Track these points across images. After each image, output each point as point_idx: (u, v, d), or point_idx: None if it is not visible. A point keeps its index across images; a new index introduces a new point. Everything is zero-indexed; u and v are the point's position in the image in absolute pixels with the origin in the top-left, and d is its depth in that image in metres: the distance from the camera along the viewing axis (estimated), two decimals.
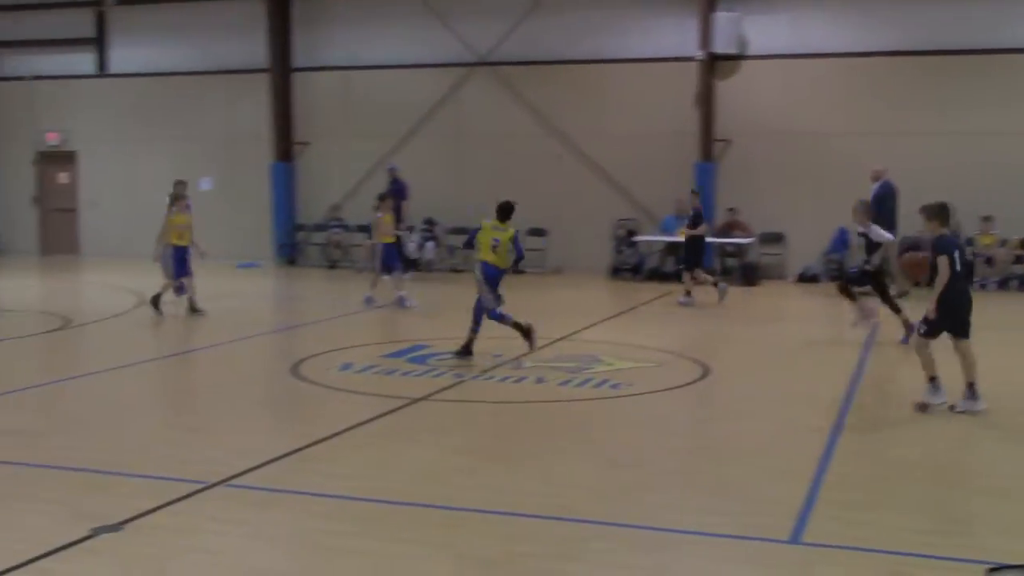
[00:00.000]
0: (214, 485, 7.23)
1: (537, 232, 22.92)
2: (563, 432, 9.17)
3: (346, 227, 24.11)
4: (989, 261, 19.82)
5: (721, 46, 21.44)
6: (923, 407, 9.60)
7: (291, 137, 24.93)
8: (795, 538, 6.34)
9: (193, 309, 15.81)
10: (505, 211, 12.45)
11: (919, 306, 10.23)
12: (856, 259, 13.99)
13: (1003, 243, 20.05)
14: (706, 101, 21.81)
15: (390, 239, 17.34)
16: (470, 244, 12.63)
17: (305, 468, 7.86)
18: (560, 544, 6.28)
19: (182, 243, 15.77)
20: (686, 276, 17.92)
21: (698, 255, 18.11)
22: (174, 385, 11.53)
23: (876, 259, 13.33)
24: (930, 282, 9.59)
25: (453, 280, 21.29)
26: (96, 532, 6.27)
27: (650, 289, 19.79)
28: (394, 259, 17.25)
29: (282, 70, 24.61)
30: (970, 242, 19.43)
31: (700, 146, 21.88)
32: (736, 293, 18.64)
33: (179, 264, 15.77)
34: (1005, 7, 20.38)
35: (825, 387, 10.72)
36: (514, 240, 12.33)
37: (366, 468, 7.86)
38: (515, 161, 23.21)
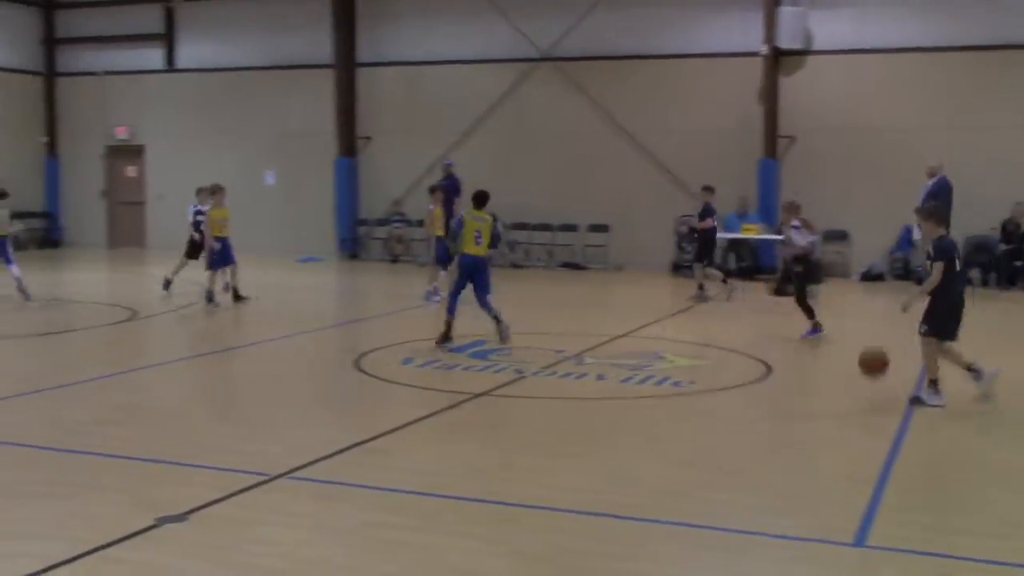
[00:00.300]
0: (277, 477, 7.30)
1: (599, 228, 22.88)
2: (625, 429, 9.12)
3: (407, 222, 24.22)
4: None
5: (786, 41, 21.21)
6: (917, 400, 9.64)
7: (355, 132, 25.10)
8: (859, 541, 6.24)
9: (237, 297, 16.48)
10: (480, 199, 12.92)
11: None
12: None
13: None
14: (770, 97, 21.59)
15: (440, 232, 17.17)
16: (455, 239, 12.83)
17: (366, 461, 7.90)
18: (621, 543, 6.24)
19: (222, 235, 16.50)
20: (697, 269, 17.92)
21: (708, 249, 18.13)
22: (238, 377, 11.66)
23: (788, 254, 13.67)
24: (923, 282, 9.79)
25: (513, 276, 21.28)
26: (161, 522, 6.35)
27: (712, 286, 19.61)
28: (443, 253, 17.01)
29: (346, 65, 24.79)
30: None
31: (764, 142, 21.67)
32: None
33: (222, 254, 16.43)
34: None
35: (890, 386, 10.55)
36: (493, 228, 12.74)
37: (427, 463, 7.88)
38: (577, 157, 23.17)
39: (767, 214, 21.46)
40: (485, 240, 12.67)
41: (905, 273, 20.13)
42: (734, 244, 21.39)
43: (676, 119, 22.50)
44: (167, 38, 26.89)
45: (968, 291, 10.45)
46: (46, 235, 27.88)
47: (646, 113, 22.74)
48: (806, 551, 6.13)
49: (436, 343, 12.55)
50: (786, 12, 21.14)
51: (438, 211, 17.36)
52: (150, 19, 26.88)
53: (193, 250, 17.53)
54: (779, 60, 21.56)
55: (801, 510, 6.81)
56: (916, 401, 9.66)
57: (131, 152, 27.49)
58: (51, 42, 27.95)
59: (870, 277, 20.81)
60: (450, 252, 13.93)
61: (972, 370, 9.78)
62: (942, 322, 9.63)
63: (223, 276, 16.76)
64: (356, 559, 6.00)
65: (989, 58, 20.35)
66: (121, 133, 27.43)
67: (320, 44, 24.91)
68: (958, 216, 18.84)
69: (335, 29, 24.66)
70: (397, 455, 8.12)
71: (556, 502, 6.85)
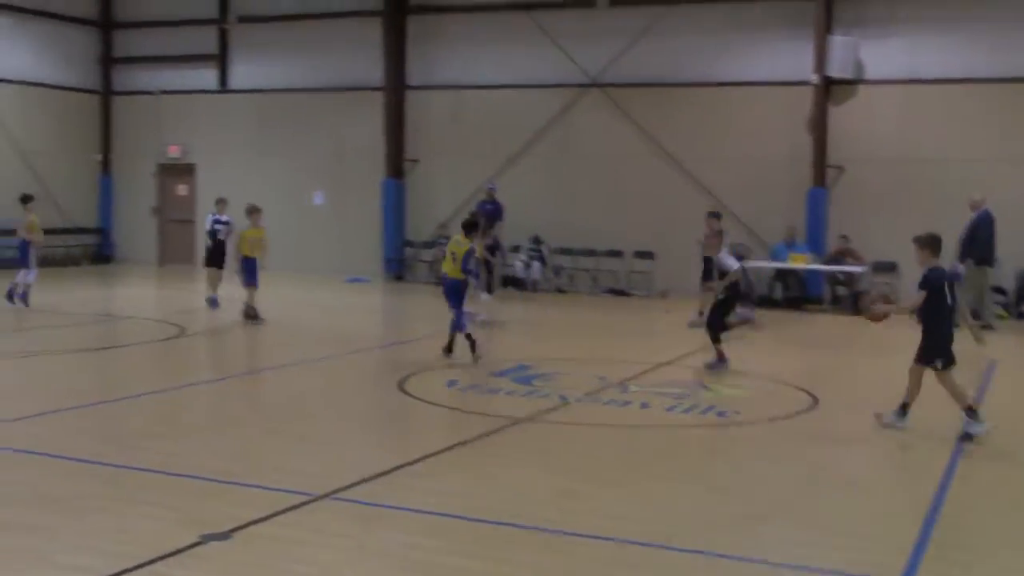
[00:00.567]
0: (320, 497, 7.33)
1: (644, 255, 22.82)
2: (668, 458, 9.07)
3: None
4: None
5: (836, 70, 21.10)
6: (967, 437, 9.54)
7: (403, 154, 25.27)
8: None
9: (251, 317, 16.68)
10: (466, 227, 13.77)
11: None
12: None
13: None
14: (820, 126, 21.47)
15: (479, 255, 17.51)
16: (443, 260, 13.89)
17: (409, 484, 7.91)
18: (663, 573, 6.20)
19: (252, 255, 16.75)
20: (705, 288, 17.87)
21: (709, 274, 17.92)
22: (283, 396, 11.72)
23: (722, 285, 13.37)
24: (917, 311, 9.91)
25: (557, 301, 21.28)
26: (205, 539, 6.40)
27: (759, 316, 19.47)
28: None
29: (396, 88, 24.98)
30: None
31: (813, 172, 21.54)
32: (848, 322, 18.26)
33: (249, 271, 16.68)
34: None
35: (939, 420, 10.39)
36: (465, 254, 13.35)
37: (470, 487, 7.88)
38: (623, 183, 23.16)
39: (815, 244, 21.32)
40: (458, 262, 13.40)
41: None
42: (781, 274, 21.24)
43: (724, 147, 22.43)
44: (221, 59, 27.26)
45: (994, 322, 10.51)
46: (99, 251, 28.29)
47: (694, 140, 22.69)
48: None
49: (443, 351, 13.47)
50: (837, 41, 21.04)
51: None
52: (205, 40, 27.26)
53: (212, 258, 18.31)
54: (829, 89, 21.44)
55: (847, 545, 6.72)
56: (965, 438, 9.53)
57: (182, 171, 27.84)
58: (108, 61, 28.43)
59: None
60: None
61: (904, 408, 9.91)
62: (945, 350, 9.73)
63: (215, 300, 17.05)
64: None
65: None
66: (173, 152, 27.80)
67: (370, 67, 25.13)
68: (1008, 248, 18.74)
69: (385, 52, 24.87)
70: (440, 478, 8.12)
71: (598, 530, 6.81)
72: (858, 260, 20.93)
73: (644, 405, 10.98)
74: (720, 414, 10.67)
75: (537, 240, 23.43)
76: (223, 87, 27.33)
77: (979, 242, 17.74)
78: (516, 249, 23.29)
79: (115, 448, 8.71)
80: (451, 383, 11.95)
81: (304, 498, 7.28)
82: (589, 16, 23.37)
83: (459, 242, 13.56)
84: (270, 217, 24.44)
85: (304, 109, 26.15)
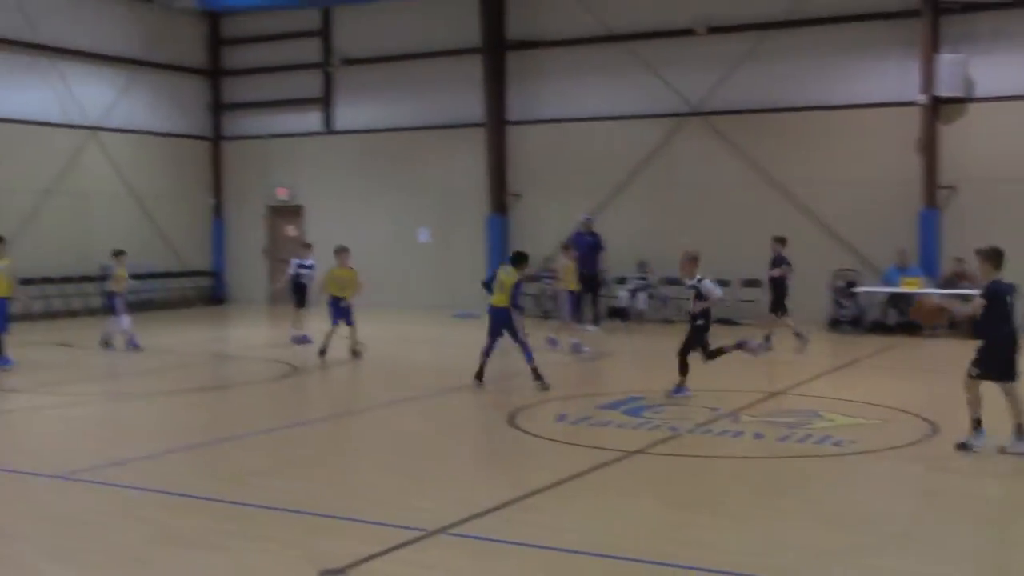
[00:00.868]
0: (434, 533, 7.36)
1: (751, 283, 22.52)
2: (783, 490, 8.91)
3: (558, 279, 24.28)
4: None
5: (945, 89, 20.63)
6: (963, 447, 9.66)
7: (505, 190, 25.43)
8: None
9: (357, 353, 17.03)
10: (514, 259, 14.16)
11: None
12: None
13: None
14: (929, 146, 21.00)
15: (574, 286, 17.96)
16: (488, 286, 14.41)
17: (522, 519, 7.90)
18: None
19: (341, 295, 17.11)
20: (769, 319, 17.84)
21: (780, 298, 17.87)
22: (395, 432, 11.81)
23: (697, 308, 13.05)
24: (971, 324, 10.16)
25: (665, 331, 21.10)
26: (323, 575, 6.46)
27: (872, 342, 19.07)
28: (575, 307, 17.70)
29: (497, 124, 25.19)
30: None
31: (923, 193, 21.07)
32: (965, 347, 17.72)
33: (336, 310, 17.11)
34: None
35: None
36: (514, 286, 13.90)
37: (583, 521, 7.84)
38: (729, 211, 22.94)
39: (928, 267, 20.80)
40: (506, 292, 13.80)
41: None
42: (895, 298, 20.75)
43: (830, 171, 22.08)
44: (325, 101, 27.85)
45: None
46: (212, 293, 29.01)
47: (799, 165, 22.40)
48: None
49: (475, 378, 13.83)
50: (945, 59, 20.59)
51: (571, 266, 17.76)
52: (310, 84, 27.90)
53: (298, 299, 19.65)
54: (938, 108, 20.98)
55: None
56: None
57: (290, 212, 28.43)
58: (217, 108, 29.27)
59: None
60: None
61: (976, 425, 9.82)
62: (990, 364, 9.70)
63: (335, 332, 17.05)
64: None
65: None
66: (282, 194, 28.43)
67: (471, 103, 25.41)
68: None
69: (485, 89, 25.12)
70: (553, 512, 8.10)
71: (714, 564, 6.71)
72: (974, 282, 20.31)
73: (757, 435, 10.81)
74: (836, 443, 10.43)
75: (643, 268, 23.29)
76: (328, 129, 27.89)
77: None
78: (622, 280, 23.21)
79: (232, 485, 8.89)
80: (560, 417, 11.93)
81: (418, 534, 7.33)
82: (688, 44, 23.30)
83: (510, 272, 13.94)
84: (377, 255, 24.92)
85: (407, 148, 26.52)
